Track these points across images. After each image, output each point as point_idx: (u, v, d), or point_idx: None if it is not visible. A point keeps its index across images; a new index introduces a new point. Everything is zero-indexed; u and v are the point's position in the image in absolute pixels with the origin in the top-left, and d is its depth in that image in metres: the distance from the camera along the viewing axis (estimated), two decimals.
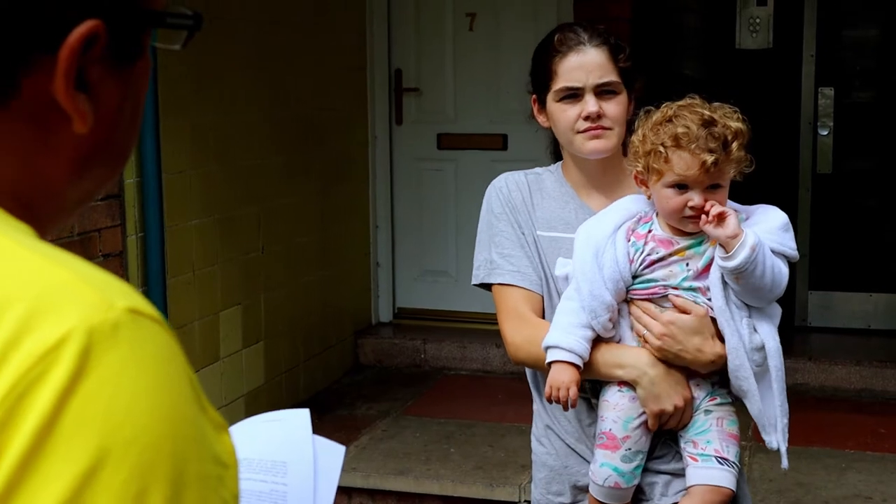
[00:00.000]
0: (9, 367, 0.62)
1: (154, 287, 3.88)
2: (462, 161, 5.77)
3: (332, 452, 1.31)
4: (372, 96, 5.73)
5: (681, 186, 1.95)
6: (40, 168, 0.76)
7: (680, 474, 2.11)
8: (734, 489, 2.03)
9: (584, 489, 2.16)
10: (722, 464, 2.03)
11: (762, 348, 2.00)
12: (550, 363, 2.01)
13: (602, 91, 2.10)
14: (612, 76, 2.10)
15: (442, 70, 5.74)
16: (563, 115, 2.12)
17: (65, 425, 0.62)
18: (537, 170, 2.27)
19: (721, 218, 1.92)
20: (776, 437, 2.02)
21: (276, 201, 4.78)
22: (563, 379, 1.98)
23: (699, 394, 2.06)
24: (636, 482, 2.08)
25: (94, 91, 0.75)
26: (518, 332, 2.12)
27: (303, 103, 5.00)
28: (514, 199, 2.19)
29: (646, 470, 2.10)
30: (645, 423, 2.05)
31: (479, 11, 5.65)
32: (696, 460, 2.04)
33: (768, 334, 2.01)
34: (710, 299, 2.00)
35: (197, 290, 4.19)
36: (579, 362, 2.00)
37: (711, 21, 5.67)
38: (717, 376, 2.07)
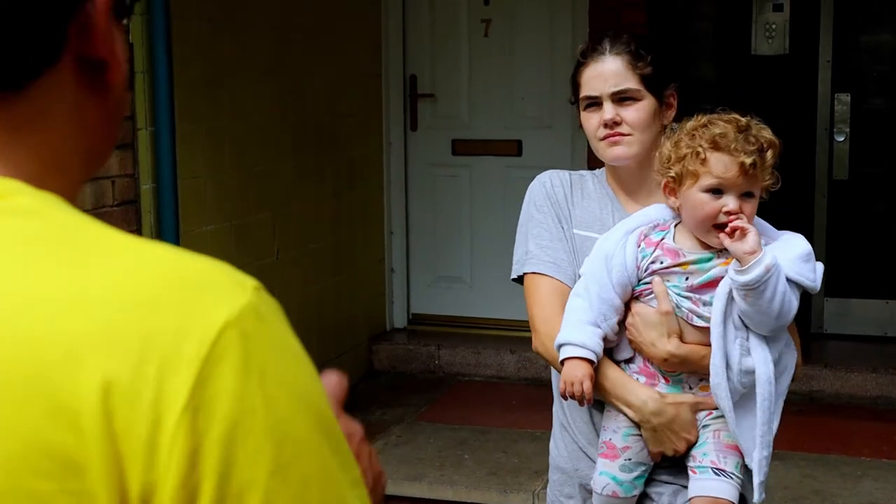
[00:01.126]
0: (188, 354, 0.65)
1: None
2: (477, 167, 5.77)
3: None
4: (387, 102, 5.74)
5: (716, 192, 1.95)
6: (88, 121, 0.78)
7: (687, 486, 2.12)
8: (733, 500, 2.02)
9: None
10: (718, 475, 2.02)
11: (752, 372, 1.97)
12: (564, 360, 2.01)
13: (621, 98, 2.12)
14: (629, 83, 2.12)
15: (457, 76, 5.75)
16: (588, 124, 2.17)
17: (252, 403, 0.66)
18: (581, 172, 2.31)
19: (742, 233, 1.91)
20: (753, 466, 1.99)
21: (290, 207, 4.79)
22: (576, 374, 1.99)
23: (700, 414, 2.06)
24: (636, 493, 2.08)
25: (114, 43, 0.78)
26: (547, 322, 2.11)
27: (318, 109, 5.01)
28: (557, 194, 2.21)
29: (653, 480, 2.11)
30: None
31: (494, 17, 5.65)
32: (695, 473, 2.05)
33: (761, 360, 1.96)
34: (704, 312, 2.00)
35: None
36: (593, 357, 2.00)
37: (727, 27, 5.66)
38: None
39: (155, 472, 0.64)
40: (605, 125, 2.12)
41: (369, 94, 5.59)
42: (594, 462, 2.16)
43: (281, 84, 4.70)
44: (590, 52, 2.17)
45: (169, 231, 3.89)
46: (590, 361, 2.00)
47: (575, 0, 5.48)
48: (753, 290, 1.90)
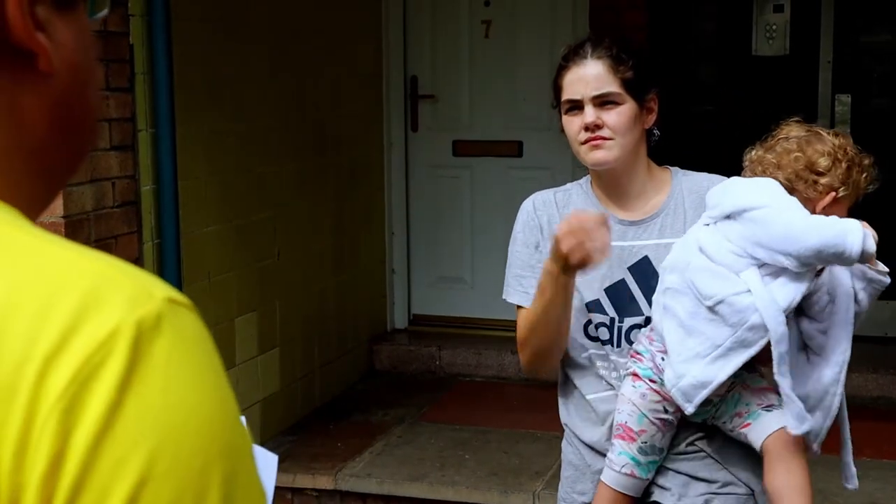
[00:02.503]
0: (69, 356, 0.64)
1: None
2: (477, 168, 5.77)
3: (267, 460, 1.36)
4: (387, 103, 5.75)
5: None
6: (23, 115, 0.75)
7: (699, 478, 2.14)
8: (798, 425, 2.01)
9: None
10: (770, 410, 2.06)
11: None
12: None
13: (602, 102, 2.13)
14: (610, 87, 2.13)
15: (457, 77, 5.75)
16: (569, 128, 2.19)
17: (127, 412, 0.64)
18: (567, 186, 2.33)
19: None
20: (845, 457, 2.21)
21: (291, 208, 4.79)
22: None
23: (724, 388, 2.09)
24: (649, 477, 2.11)
25: (47, 30, 0.74)
26: (523, 353, 2.24)
27: (319, 110, 5.02)
28: (540, 218, 2.26)
29: (665, 468, 2.12)
30: (661, 421, 2.08)
31: (495, 19, 5.66)
32: (749, 425, 2.08)
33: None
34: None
35: (213, 296, 4.21)
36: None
37: (728, 28, 5.66)
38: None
39: (23, 473, 0.62)
40: (587, 128, 2.13)
41: (370, 95, 5.59)
42: (603, 455, 2.20)
43: (282, 85, 4.71)
44: (571, 55, 2.18)
45: (169, 232, 3.89)
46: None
47: (576, 1, 5.48)
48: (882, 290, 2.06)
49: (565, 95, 2.17)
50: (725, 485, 2.16)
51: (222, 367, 0.71)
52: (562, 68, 2.19)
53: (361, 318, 5.51)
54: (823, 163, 2.02)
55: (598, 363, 2.21)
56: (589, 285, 2.17)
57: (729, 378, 2.05)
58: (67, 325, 0.64)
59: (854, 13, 5.41)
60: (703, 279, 2.01)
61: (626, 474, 2.10)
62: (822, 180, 2.03)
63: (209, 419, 0.67)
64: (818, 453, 2.11)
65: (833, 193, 2.02)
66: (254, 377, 4.52)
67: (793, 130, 2.10)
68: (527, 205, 2.29)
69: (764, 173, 2.07)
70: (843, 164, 2.03)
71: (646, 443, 2.09)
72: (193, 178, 4.09)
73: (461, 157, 5.79)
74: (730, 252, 2.00)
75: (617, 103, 2.13)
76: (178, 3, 3.89)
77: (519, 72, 5.61)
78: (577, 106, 2.15)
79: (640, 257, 2.17)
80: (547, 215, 2.25)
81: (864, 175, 2.06)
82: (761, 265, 1.98)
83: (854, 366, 5.44)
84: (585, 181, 2.29)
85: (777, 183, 2.04)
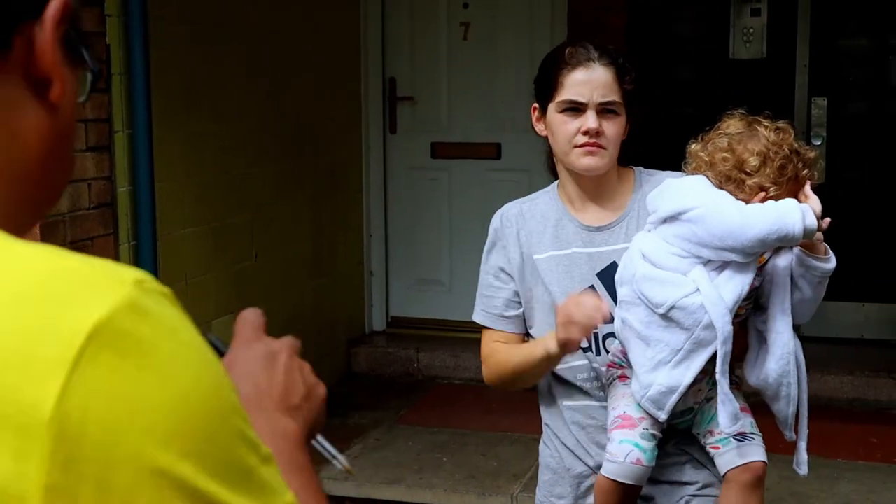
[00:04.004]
0: (57, 355, 0.63)
1: None
2: (456, 170, 5.77)
3: None
4: (366, 105, 5.74)
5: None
6: (23, 134, 0.76)
7: (681, 482, 2.14)
8: (764, 459, 2.05)
9: (587, 491, 2.20)
10: (742, 440, 2.06)
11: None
12: None
13: (604, 110, 2.13)
14: (615, 96, 2.14)
15: (436, 79, 5.74)
16: (564, 127, 2.15)
17: (130, 404, 0.64)
18: (535, 195, 2.33)
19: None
20: (801, 443, 2.12)
21: (269, 210, 4.78)
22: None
23: (703, 395, 2.10)
24: (652, 466, 2.08)
25: (59, 68, 0.77)
26: (492, 358, 2.29)
27: (297, 112, 5.00)
28: (507, 234, 2.27)
29: (650, 479, 2.12)
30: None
31: (474, 21, 5.66)
32: (718, 448, 2.08)
33: (798, 347, 2.08)
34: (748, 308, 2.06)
35: (190, 298, 4.19)
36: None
37: (705, 31, 5.68)
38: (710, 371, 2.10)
39: (25, 480, 0.61)
40: (587, 133, 2.12)
41: (349, 97, 5.58)
42: (581, 460, 2.19)
43: (260, 87, 4.69)
44: (578, 56, 2.15)
45: (146, 234, 3.86)
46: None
47: (554, 3, 5.49)
48: (827, 276, 2.01)
49: (566, 95, 2.14)
50: (705, 486, 2.17)
51: (200, 336, 0.72)
52: (564, 66, 2.15)
53: (339, 320, 5.50)
54: (753, 162, 2.00)
55: (579, 375, 2.22)
56: (564, 294, 2.17)
57: (706, 385, 2.06)
58: (47, 327, 0.64)
59: (830, 17, 5.45)
60: (651, 288, 2.01)
61: (632, 463, 2.04)
62: (750, 181, 2.01)
63: (210, 387, 0.68)
64: (792, 437, 2.12)
65: (763, 193, 2.00)
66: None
67: (731, 125, 2.08)
68: (494, 221, 2.30)
69: (698, 169, 2.07)
70: (776, 163, 2.00)
71: (647, 430, 2.07)
72: (170, 179, 4.07)
73: (440, 159, 5.79)
74: (673, 255, 2.00)
75: (616, 113, 2.14)
76: (156, 3, 3.87)
77: (498, 74, 5.61)
78: (577, 108, 2.13)
79: (607, 263, 2.18)
80: (516, 228, 2.26)
81: (804, 171, 2.02)
82: (706, 262, 1.99)
83: (829, 368, 5.49)
84: (552, 188, 2.29)
85: (705, 179, 2.04)
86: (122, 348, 0.64)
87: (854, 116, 5.50)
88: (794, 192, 2.00)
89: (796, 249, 2.00)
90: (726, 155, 2.03)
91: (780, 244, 1.97)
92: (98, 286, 0.66)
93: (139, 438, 0.63)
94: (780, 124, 2.06)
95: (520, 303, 2.25)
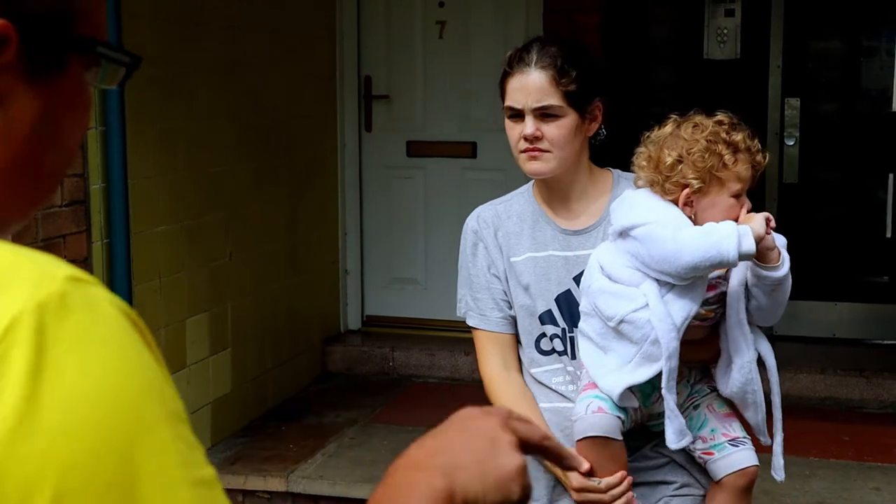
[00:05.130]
0: None
1: (120, 293, 3.84)
2: (431, 169, 5.77)
3: None
4: (341, 103, 5.72)
5: (737, 195, 1.99)
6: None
7: (660, 482, 2.15)
8: (757, 463, 2.08)
9: (562, 492, 2.20)
10: (736, 445, 2.07)
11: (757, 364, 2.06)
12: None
13: (543, 114, 2.12)
14: (551, 100, 2.11)
15: (412, 78, 5.74)
16: (510, 133, 2.19)
17: (43, 401, 0.61)
18: (508, 196, 2.33)
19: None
20: (776, 447, 2.11)
21: (244, 208, 4.76)
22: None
23: (681, 399, 2.09)
24: (621, 418, 2.04)
25: (3, 102, 0.73)
26: (484, 370, 2.29)
27: (272, 110, 4.98)
28: (485, 235, 2.26)
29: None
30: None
31: (449, 19, 5.66)
32: (712, 454, 2.08)
33: (767, 351, 2.07)
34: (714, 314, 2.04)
35: (163, 296, 4.16)
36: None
37: (680, 31, 5.71)
38: (694, 375, 2.10)
39: None
40: (526, 139, 2.12)
41: (324, 96, 5.57)
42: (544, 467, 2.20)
43: (235, 85, 4.67)
44: (516, 61, 2.15)
45: (119, 231, 3.84)
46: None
47: (529, 3, 5.50)
48: (780, 284, 1.97)
49: (507, 102, 2.16)
50: (683, 486, 2.17)
51: (139, 339, 0.68)
52: (506, 73, 2.17)
53: (314, 319, 5.49)
54: (668, 161, 1.99)
55: (554, 378, 2.22)
56: (541, 296, 2.18)
57: (683, 388, 2.07)
58: None
59: (804, 18, 5.48)
60: (604, 300, 2.02)
61: (594, 412, 2.02)
62: (670, 181, 2.00)
63: (133, 391, 0.65)
64: (767, 442, 2.14)
65: (687, 190, 1.98)
66: (205, 378, 4.47)
67: (658, 130, 2.07)
68: (470, 223, 2.28)
69: (638, 180, 2.08)
70: (693, 157, 1.97)
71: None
72: (144, 177, 4.05)
73: (415, 158, 5.78)
74: (626, 267, 2.01)
75: (557, 116, 2.12)
76: (128, 0, 3.84)
77: (473, 73, 5.61)
78: (518, 114, 2.14)
79: (584, 267, 2.17)
80: (493, 229, 2.25)
81: (732, 157, 1.97)
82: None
83: (802, 367, 5.53)
84: (527, 189, 2.29)
85: (650, 194, 2.04)
86: (40, 343, 0.62)
87: (827, 117, 5.54)
88: (735, 181, 1.97)
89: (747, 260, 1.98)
90: (644, 164, 2.05)
91: (716, 269, 1.97)
92: (23, 279, 0.64)
93: (48, 439, 0.61)
94: (699, 120, 2.03)
95: (509, 303, 2.25)
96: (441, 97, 5.71)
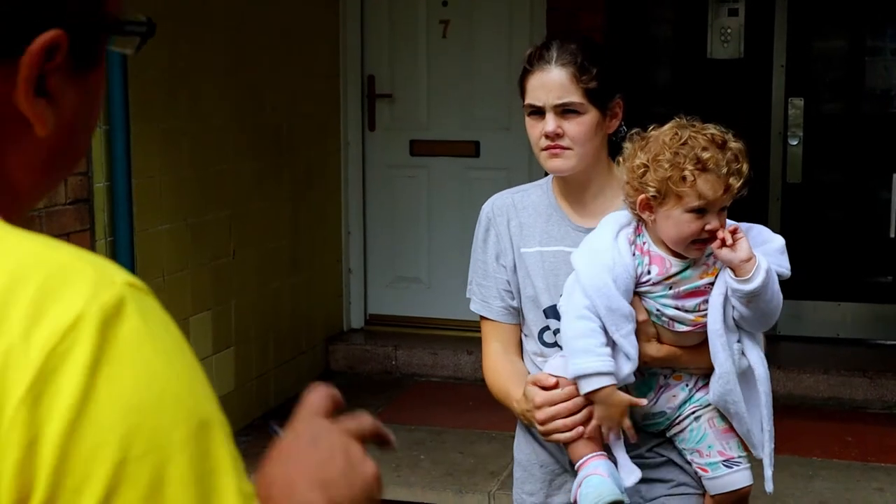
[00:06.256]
0: (35, 344, 0.65)
1: None
2: (434, 167, 5.77)
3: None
4: (345, 102, 5.73)
5: (699, 211, 1.93)
6: (7, 172, 0.78)
7: (656, 480, 2.15)
8: (751, 482, 2.08)
9: (559, 487, 2.20)
10: (730, 466, 2.07)
11: (746, 372, 2.03)
12: (592, 391, 2.01)
13: (564, 111, 2.12)
14: (572, 97, 2.11)
15: (415, 76, 5.74)
16: (531, 131, 2.18)
17: (99, 396, 0.65)
18: (525, 186, 2.32)
19: (734, 242, 1.92)
20: (765, 459, 2.08)
21: (247, 207, 4.76)
22: (613, 416, 2.01)
23: (678, 401, 2.09)
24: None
25: (54, 98, 0.78)
26: (491, 371, 2.30)
27: (275, 109, 4.99)
28: (499, 223, 2.25)
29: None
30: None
31: (453, 18, 5.66)
32: (706, 471, 2.08)
33: (758, 360, 2.03)
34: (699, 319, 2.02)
35: (167, 294, 4.17)
36: (615, 381, 2.01)
37: (683, 31, 5.71)
38: (694, 381, 2.10)
39: None
40: (547, 136, 2.12)
41: (327, 95, 5.57)
42: (553, 457, 2.21)
43: (239, 84, 4.67)
44: (536, 59, 2.15)
45: (123, 230, 3.85)
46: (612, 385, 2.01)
47: (533, 2, 5.50)
48: (757, 296, 1.92)
49: (528, 100, 2.16)
50: (679, 484, 2.17)
51: (187, 345, 0.73)
52: (526, 71, 2.17)
53: (317, 317, 5.49)
54: (637, 163, 1.97)
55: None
56: (547, 290, 2.18)
57: (680, 392, 2.07)
58: (29, 316, 0.65)
59: (807, 18, 5.48)
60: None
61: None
62: (632, 184, 1.98)
63: (181, 395, 0.70)
64: (759, 455, 2.11)
65: (643, 196, 1.96)
66: (208, 377, 4.47)
67: (653, 129, 2.03)
68: (486, 209, 2.28)
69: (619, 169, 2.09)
70: (657, 164, 1.93)
71: None
72: (147, 175, 4.05)
73: (418, 157, 5.78)
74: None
75: (579, 112, 2.11)
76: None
77: (476, 72, 5.61)
78: (538, 111, 2.14)
79: None
80: (506, 218, 2.24)
81: (692, 176, 1.90)
82: None
83: (805, 367, 5.53)
84: (546, 182, 2.29)
85: (612, 226, 2.05)
86: (100, 344, 0.66)
87: (831, 116, 5.54)
88: (695, 198, 1.92)
89: (726, 270, 1.95)
90: (621, 159, 2.05)
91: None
92: (87, 282, 0.68)
93: (102, 433, 0.65)
94: (685, 128, 1.97)
95: (513, 293, 2.25)
96: (444, 96, 5.71)
